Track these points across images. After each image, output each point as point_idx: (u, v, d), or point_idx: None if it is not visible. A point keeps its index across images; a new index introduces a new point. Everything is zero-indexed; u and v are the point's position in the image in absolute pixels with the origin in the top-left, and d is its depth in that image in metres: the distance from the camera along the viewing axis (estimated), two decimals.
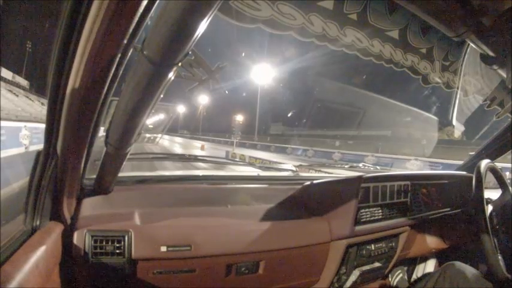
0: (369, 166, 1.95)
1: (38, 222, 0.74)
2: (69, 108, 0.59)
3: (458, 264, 1.24)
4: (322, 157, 17.46)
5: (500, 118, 1.43)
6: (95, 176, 0.99)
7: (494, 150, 1.59)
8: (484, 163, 1.21)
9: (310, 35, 1.06)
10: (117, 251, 0.86)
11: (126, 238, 0.87)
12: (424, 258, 1.74)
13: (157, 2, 0.47)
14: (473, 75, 1.45)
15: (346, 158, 16.19)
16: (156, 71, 0.54)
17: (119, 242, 0.86)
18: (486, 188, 1.16)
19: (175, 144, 25.08)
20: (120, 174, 1.02)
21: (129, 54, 0.55)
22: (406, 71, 1.34)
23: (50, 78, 0.57)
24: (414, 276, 1.73)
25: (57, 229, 0.80)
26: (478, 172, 1.17)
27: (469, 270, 1.20)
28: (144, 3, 0.44)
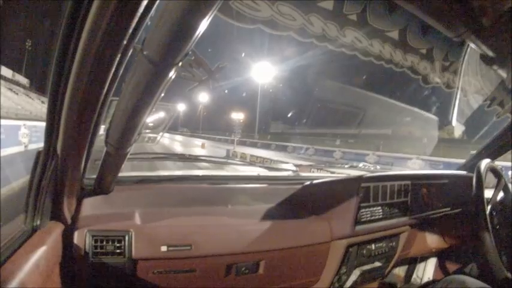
0: (369, 166, 1.96)
1: (38, 222, 0.74)
2: (69, 108, 0.60)
3: (458, 277, 1.23)
4: (323, 156, 17.41)
5: (501, 118, 1.43)
6: (95, 176, 0.99)
7: (494, 150, 1.58)
8: (484, 163, 1.21)
9: (310, 36, 1.06)
10: (118, 251, 0.86)
11: (127, 238, 0.87)
12: (424, 258, 1.75)
13: (157, 2, 0.47)
14: (473, 75, 1.44)
15: (347, 156, 16.16)
16: (156, 71, 0.54)
17: (119, 241, 0.87)
18: (486, 187, 1.16)
19: (176, 142, 25.04)
20: (121, 174, 1.02)
21: (129, 54, 0.55)
22: (406, 71, 1.34)
23: (50, 78, 0.57)
24: (414, 276, 1.73)
25: (58, 229, 0.80)
26: (478, 172, 1.17)
27: (471, 282, 1.17)
28: (144, 3, 0.44)
